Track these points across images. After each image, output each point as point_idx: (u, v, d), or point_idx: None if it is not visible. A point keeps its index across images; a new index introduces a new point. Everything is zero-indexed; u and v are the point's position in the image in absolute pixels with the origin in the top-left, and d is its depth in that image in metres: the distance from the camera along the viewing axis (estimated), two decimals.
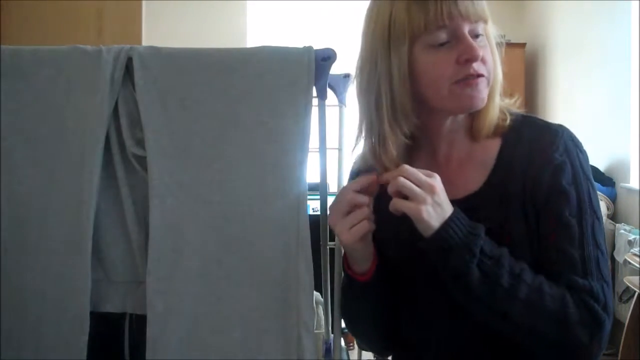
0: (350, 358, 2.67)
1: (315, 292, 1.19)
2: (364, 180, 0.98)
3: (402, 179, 0.93)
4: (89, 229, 1.16)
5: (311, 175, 1.15)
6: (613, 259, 3.92)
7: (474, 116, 1.03)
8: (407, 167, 0.94)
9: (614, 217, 4.17)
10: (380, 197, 1.02)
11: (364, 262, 1.04)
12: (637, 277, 3.24)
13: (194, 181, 1.15)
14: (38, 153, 1.18)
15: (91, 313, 1.17)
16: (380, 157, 1.01)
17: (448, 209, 0.93)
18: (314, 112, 1.16)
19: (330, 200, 1.24)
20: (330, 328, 1.33)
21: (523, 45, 5.61)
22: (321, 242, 1.22)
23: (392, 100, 0.97)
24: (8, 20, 2.11)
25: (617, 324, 3.66)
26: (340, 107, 1.27)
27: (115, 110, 1.17)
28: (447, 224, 0.92)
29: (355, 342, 2.66)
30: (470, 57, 0.93)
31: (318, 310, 1.47)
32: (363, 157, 1.10)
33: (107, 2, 2.16)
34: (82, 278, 1.16)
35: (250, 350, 1.15)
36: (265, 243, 1.14)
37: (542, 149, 0.98)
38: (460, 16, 0.92)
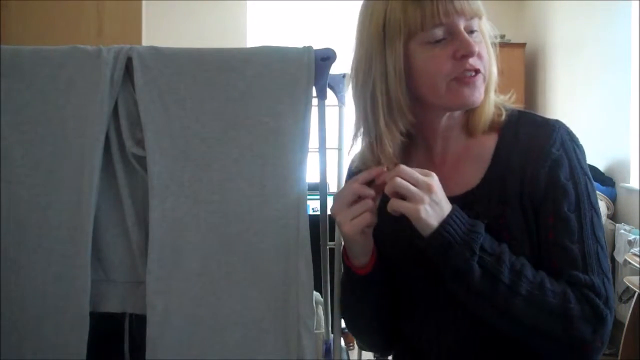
0: (350, 358, 2.67)
1: (315, 292, 1.19)
2: (372, 172, 0.98)
3: (398, 179, 0.93)
4: (89, 229, 1.16)
5: (311, 175, 1.16)
6: (613, 259, 3.92)
7: (470, 112, 1.03)
8: (403, 167, 0.94)
9: (614, 217, 4.17)
10: (380, 199, 1.02)
11: (364, 256, 1.05)
12: (637, 277, 3.24)
13: (194, 181, 1.15)
14: (38, 153, 1.18)
15: (91, 313, 1.17)
16: (378, 155, 1.02)
17: (446, 207, 0.93)
18: (314, 112, 1.16)
19: (330, 200, 1.24)
20: (330, 328, 1.33)
21: (523, 45, 5.61)
22: (321, 242, 1.22)
23: (388, 97, 0.98)
24: (8, 20, 2.11)
25: (617, 324, 3.66)
26: (340, 107, 1.27)
27: (115, 110, 1.17)
28: (446, 222, 0.92)
29: (355, 342, 2.66)
30: (466, 52, 0.94)
31: (318, 310, 1.46)
32: (361, 155, 1.10)
33: (107, 2, 2.16)
34: (82, 278, 1.16)
35: (250, 350, 1.15)
36: (265, 243, 1.14)
37: (539, 143, 0.98)
38: (456, 13, 0.93)
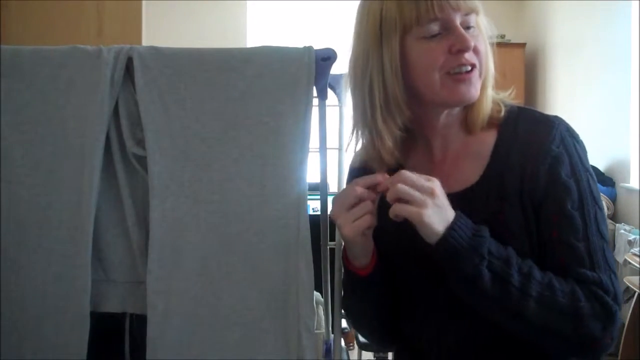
0: (350, 358, 2.67)
1: (315, 292, 1.19)
2: (374, 178, 0.98)
3: (401, 185, 0.92)
4: (89, 229, 1.16)
5: (311, 175, 1.16)
6: None
7: (468, 109, 1.03)
8: (405, 172, 0.94)
9: (614, 217, 4.17)
10: (380, 198, 1.02)
11: (364, 257, 1.05)
12: (637, 277, 3.24)
13: (194, 181, 1.15)
14: (38, 153, 1.18)
15: (91, 313, 1.17)
16: (379, 150, 1.01)
17: (450, 213, 0.93)
18: (314, 112, 1.16)
19: (330, 200, 1.24)
20: (330, 328, 1.33)
21: (523, 45, 5.61)
22: (321, 242, 1.22)
23: (385, 93, 0.98)
24: (8, 20, 2.11)
25: None
26: (341, 107, 1.27)
27: (116, 110, 1.17)
28: (452, 229, 0.91)
29: (355, 342, 2.66)
30: (462, 47, 0.94)
31: (318, 310, 1.46)
32: (363, 152, 1.09)
33: (107, 2, 2.16)
34: (82, 278, 1.16)
35: (250, 350, 1.15)
36: (265, 243, 1.14)
37: (539, 140, 0.98)
38: (451, 8, 0.93)
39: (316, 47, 1.15)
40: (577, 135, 1.01)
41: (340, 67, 1.20)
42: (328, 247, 1.24)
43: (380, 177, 0.97)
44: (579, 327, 0.89)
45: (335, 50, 1.15)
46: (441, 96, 0.97)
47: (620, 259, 3.76)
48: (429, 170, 1.02)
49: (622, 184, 4.12)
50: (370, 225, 0.99)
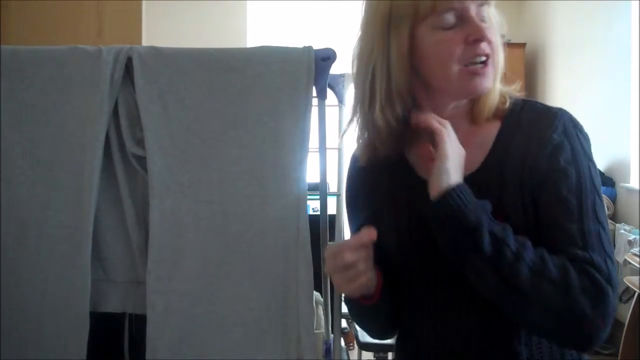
0: (350, 358, 2.67)
1: (315, 292, 1.19)
2: (362, 237, 0.97)
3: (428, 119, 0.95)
4: (89, 229, 1.16)
5: (311, 175, 1.16)
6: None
7: (476, 100, 1.03)
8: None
9: (614, 217, 4.17)
10: (382, 193, 1.02)
11: (368, 290, 1.04)
12: (637, 277, 3.23)
13: (194, 181, 1.15)
14: (38, 153, 1.18)
15: (91, 313, 1.17)
16: (372, 141, 1.01)
17: (460, 176, 0.95)
18: (314, 112, 1.16)
19: (330, 200, 1.24)
20: (330, 328, 1.33)
21: (523, 45, 5.61)
22: (321, 242, 1.22)
23: (388, 81, 0.97)
24: (8, 20, 2.11)
25: (617, 324, 3.65)
26: (340, 107, 1.27)
27: (115, 110, 1.17)
28: (457, 188, 0.93)
29: (355, 342, 2.66)
30: (478, 37, 0.94)
31: (318, 310, 1.46)
32: (365, 147, 1.08)
33: (107, 2, 2.16)
34: (82, 278, 1.16)
35: (250, 350, 1.15)
36: (265, 243, 1.14)
37: (541, 130, 0.98)
38: None
39: (316, 47, 1.15)
40: (581, 126, 1.01)
41: (340, 67, 1.20)
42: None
43: (367, 238, 0.96)
44: (568, 300, 0.89)
45: (335, 50, 1.15)
46: (456, 87, 0.97)
47: (620, 259, 3.76)
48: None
49: (622, 184, 4.12)
50: (365, 284, 0.98)
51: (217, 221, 1.15)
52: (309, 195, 1.16)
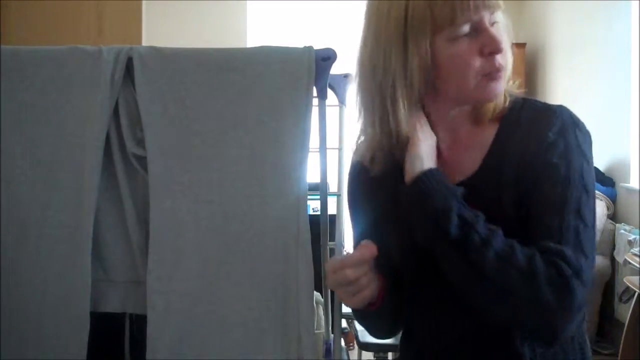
0: (350, 358, 2.67)
1: (315, 292, 1.19)
2: (363, 254, 0.97)
3: None
4: (89, 229, 1.16)
5: (311, 175, 1.15)
6: (613, 259, 3.92)
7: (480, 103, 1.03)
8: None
9: (614, 217, 4.17)
10: (383, 194, 1.02)
11: (371, 298, 1.04)
12: (637, 277, 3.23)
13: (194, 181, 1.15)
14: (38, 153, 1.18)
15: (91, 313, 1.17)
16: (392, 144, 1.00)
17: (433, 162, 0.96)
18: (314, 112, 1.16)
19: (330, 200, 1.24)
20: (330, 328, 1.33)
21: (523, 45, 5.61)
22: (321, 242, 1.22)
23: (410, 92, 0.97)
24: (8, 20, 2.11)
25: (617, 324, 3.65)
26: (341, 107, 1.27)
27: (116, 110, 1.17)
28: (434, 169, 0.94)
29: (355, 342, 2.66)
30: (494, 49, 0.94)
31: (318, 310, 1.46)
32: (375, 144, 1.08)
33: (107, 2, 2.16)
34: (82, 278, 1.16)
35: (250, 350, 1.15)
36: (265, 243, 1.14)
37: (538, 129, 0.98)
38: (484, 7, 0.93)
39: (316, 47, 1.15)
40: (582, 124, 1.00)
41: (341, 67, 1.19)
42: (328, 247, 1.24)
43: (368, 255, 0.96)
44: (532, 288, 0.88)
45: (335, 50, 1.15)
46: (470, 96, 0.97)
47: (620, 259, 3.76)
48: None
49: (622, 184, 4.11)
50: (370, 297, 0.98)
51: (217, 221, 1.15)
52: (309, 195, 1.16)
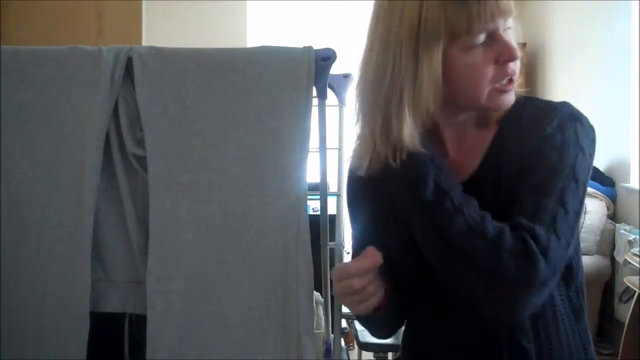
0: (350, 358, 2.67)
1: (315, 292, 1.19)
2: (368, 264, 0.97)
3: None
4: (89, 229, 1.16)
5: (311, 175, 1.15)
6: (613, 259, 3.92)
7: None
8: None
9: (614, 217, 4.17)
10: (383, 195, 1.02)
11: (377, 303, 1.04)
12: (637, 277, 3.23)
13: (193, 181, 1.15)
14: (38, 153, 1.18)
15: (91, 313, 1.17)
16: (393, 152, 1.00)
17: None
18: (314, 112, 1.16)
19: (330, 200, 1.24)
20: (330, 328, 1.33)
21: (523, 45, 5.61)
22: (321, 242, 1.22)
23: (417, 103, 0.95)
24: (8, 20, 2.11)
25: (617, 324, 3.65)
26: (340, 107, 1.27)
27: (115, 110, 1.17)
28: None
29: (355, 342, 2.66)
30: (509, 58, 0.93)
31: (318, 310, 1.47)
32: (373, 152, 1.07)
33: (107, 2, 2.17)
34: (82, 278, 1.16)
35: (250, 350, 1.15)
36: (265, 243, 1.14)
37: (538, 125, 0.98)
38: (500, 14, 0.92)
39: (316, 47, 1.15)
40: (584, 118, 0.99)
41: (340, 67, 1.19)
42: (328, 247, 1.24)
43: (372, 264, 0.96)
44: (495, 258, 0.87)
45: (335, 50, 1.15)
46: (482, 104, 0.96)
47: (620, 259, 3.76)
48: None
49: (622, 184, 4.11)
50: (376, 304, 0.98)
51: (217, 221, 1.15)
52: (309, 195, 1.16)
